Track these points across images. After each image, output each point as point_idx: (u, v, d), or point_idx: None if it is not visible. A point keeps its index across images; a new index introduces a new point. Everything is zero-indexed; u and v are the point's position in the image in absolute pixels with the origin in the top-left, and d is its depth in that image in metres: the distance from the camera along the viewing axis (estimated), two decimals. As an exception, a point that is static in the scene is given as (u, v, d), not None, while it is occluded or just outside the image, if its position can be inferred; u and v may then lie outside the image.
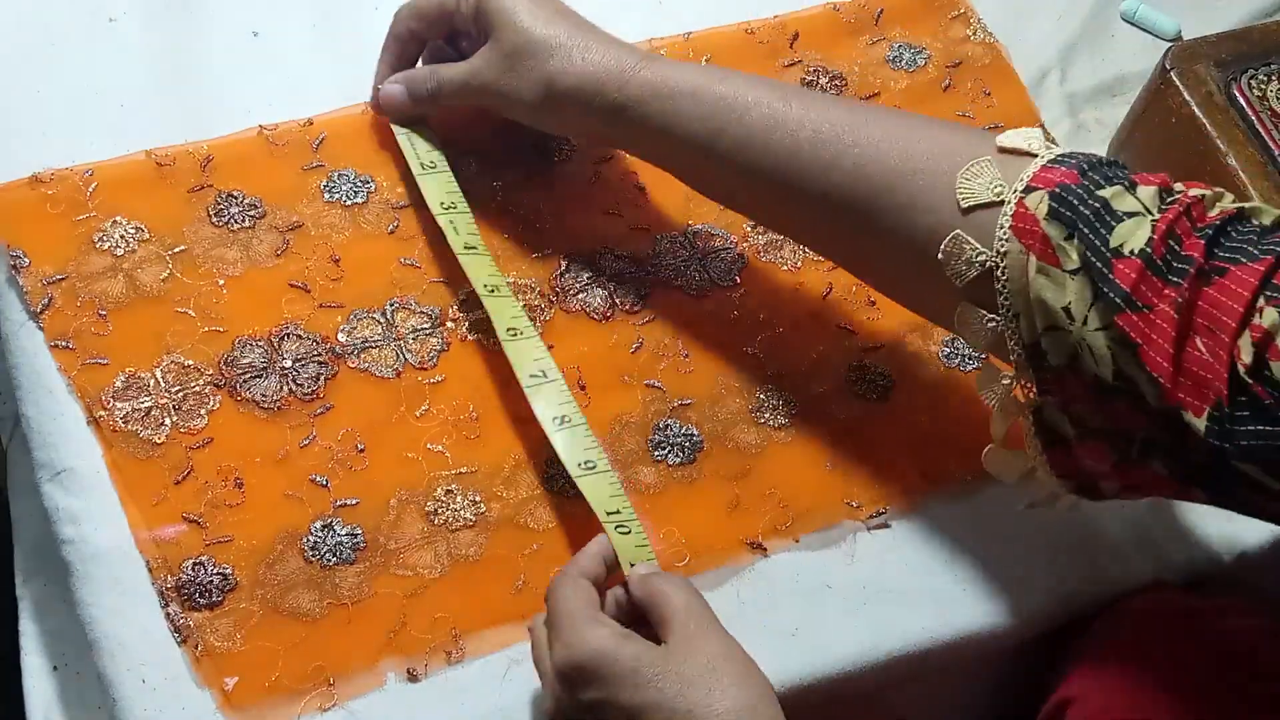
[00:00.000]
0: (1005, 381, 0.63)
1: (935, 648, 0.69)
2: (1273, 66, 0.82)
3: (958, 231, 0.61)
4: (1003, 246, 0.59)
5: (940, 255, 0.61)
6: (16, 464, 0.77)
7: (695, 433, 0.74)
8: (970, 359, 0.78)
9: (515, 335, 0.72)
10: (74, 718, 0.70)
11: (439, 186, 0.77)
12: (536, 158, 0.81)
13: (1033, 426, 0.62)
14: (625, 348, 0.76)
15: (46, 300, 0.71)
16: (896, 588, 0.70)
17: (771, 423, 0.74)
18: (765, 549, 0.71)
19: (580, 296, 0.77)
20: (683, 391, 0.75)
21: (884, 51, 0.90)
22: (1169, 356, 0.54)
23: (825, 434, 0.75)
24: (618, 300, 0.77)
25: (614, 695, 0.59)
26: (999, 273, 0.60)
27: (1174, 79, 0.81)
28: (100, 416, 0.68)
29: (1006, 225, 0.59)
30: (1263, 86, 0.81)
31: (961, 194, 0.61)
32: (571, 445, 0.69)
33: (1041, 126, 0.88)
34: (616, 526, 0.67)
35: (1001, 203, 0.60)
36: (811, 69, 0.88)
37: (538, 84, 0.72)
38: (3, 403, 0.77)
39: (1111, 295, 0.56)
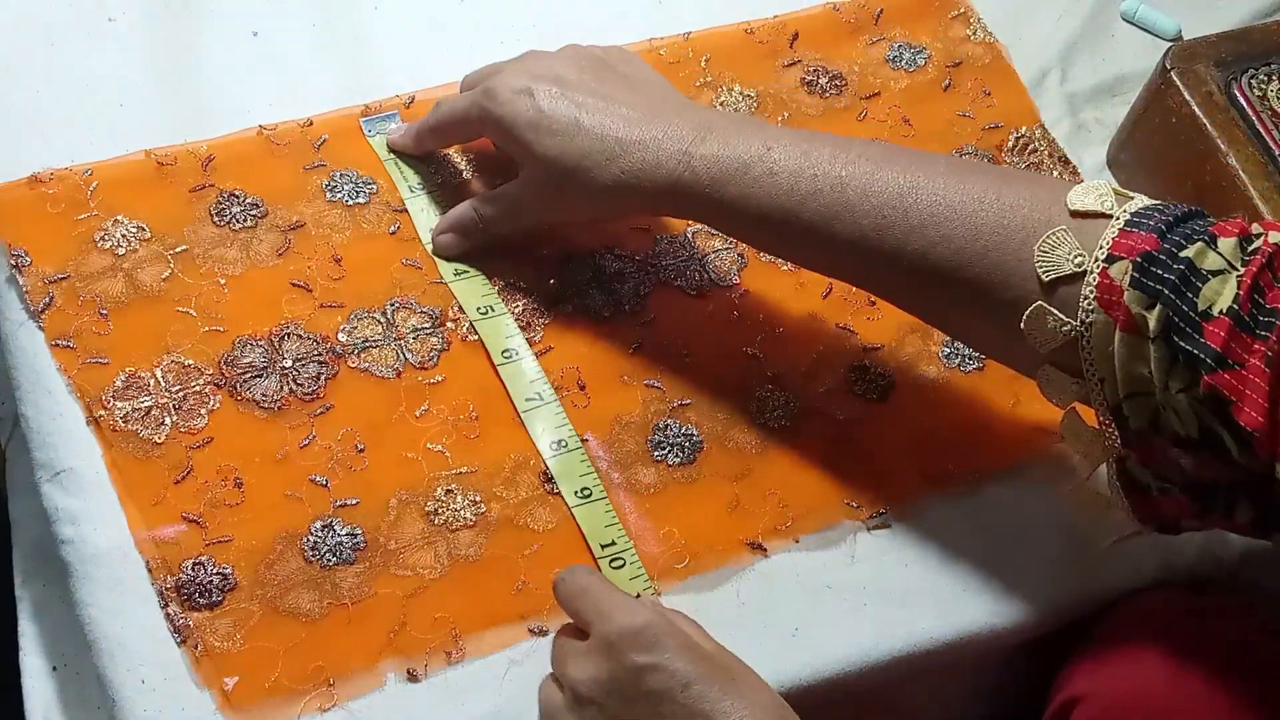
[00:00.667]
0: (1088, 433, 0.64)
1: (935, 648, 0.69)
2: (1273, 66, 0.82)
3: (1040, 304, 0.60)
4: (1087, 317, 0.59)
5: (1022, 326, 0.61)
6: (16, 464, 0.77)
7: (695, 433, 0.73)
8: (970, 359, 0.78)
9: (510, 358, 0.73)
10: (73, 718, 0.70)
11: (427, 210, 0.77)
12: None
13: (1116, 479, 0.63)
14: (625, 348, 0.76)
15: (47, 299, 0.71)
16: (897, 588, 0.70)
17: (771, 423, 0.74)
18: (765, 549, 0.71)
19: (581, 297, 0.77)
20: (682, 392, 0.75)
21: (884, 51, 0.90)
22: (1264, 410, 0.54)
23: (825, 434, 0.75)
24: (618, 301, 0.77)
25: (669, 661, 0.58)
26: (1083, 341, 0.60)
27: (1174, 79, 0.81)
28: (100, 416, 0.68)
29: (1091, 296, 0.59)
30: (1263, 86, 0.81)
31: (1041, 267, 0.60)
32: (569, 472, 0.70)
33: (1041, 126, 0.88)
34: (611, 560, 0.68)
35: (1083, 273, 0.59)
36: (811, 69, 0.88)
37: (588, 194, 0.70)
38: (2, 403, 0.77)
39: (1202, 356, 0.56)
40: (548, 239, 0.78)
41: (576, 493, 0.70)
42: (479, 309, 0.74)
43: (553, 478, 0.71)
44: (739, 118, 0.72)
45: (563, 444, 0.71)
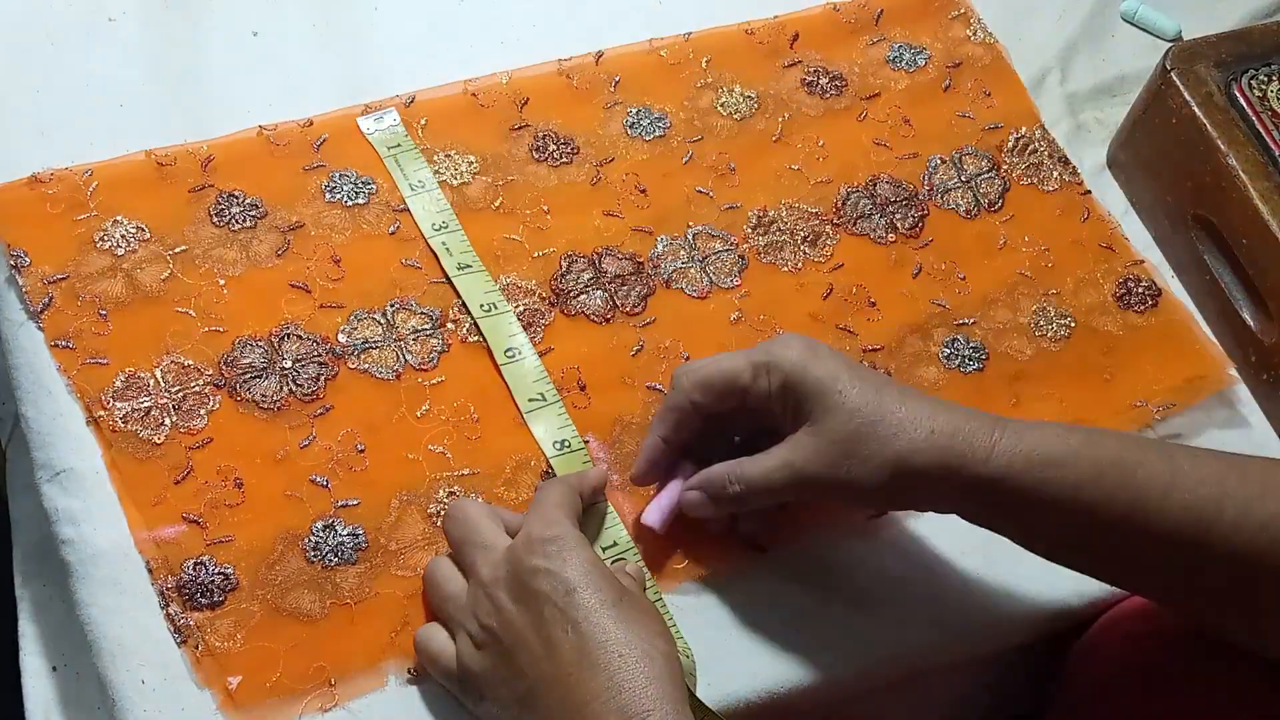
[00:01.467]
0: None
1: (934, 649, 0.69)
2: (1273, 66, 0.82)
3: None
4: None
5: None
6: (16, 464, 0.77)
7: (696, 433, 0.73)
8: (970, 360, 0.78)
9: (513, 357, 0.73)
10: (73, 718, 0.70)
11: (430, 207, 0.77)
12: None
13: None
14: (626, 349, 0.76)
15: (46, 300, 0.71)
16: (896, 589, 0.70)
17: (772, 423, 0.74)
18: (765, 549, 0.71)
19: (581, 298, 0.77)
20: (683, 392, 0.75)
21: (884, 52, 0.90)
22: None
23: (826, 434, 0.74)
24: (618, 302, 0.77)
25: (560, 567, 0.60)
26: None
27: (1174, 79, 0.81)
28: (100, 416, 0.68)
29: None
30: (1263, 87, 0.81)
31: None
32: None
33: (1041, 126, 0.88)
34: (613, 561, 0.68)
35: None
36: (811, 69, 0.88)
37: (883, 469, 0.61)
38: (2, 403, 0.77)
39: None
40: (548, 240, 0.78)
41: None
42: (482, 305, 0.74)
43: (554, 476, 0.70)
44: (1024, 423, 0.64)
45: (565, 445, 0.71)
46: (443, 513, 0.69)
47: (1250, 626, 0.62)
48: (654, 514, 0.68)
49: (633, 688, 0.56)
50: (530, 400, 0.72)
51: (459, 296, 0.75)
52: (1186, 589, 0.62)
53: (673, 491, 0.68)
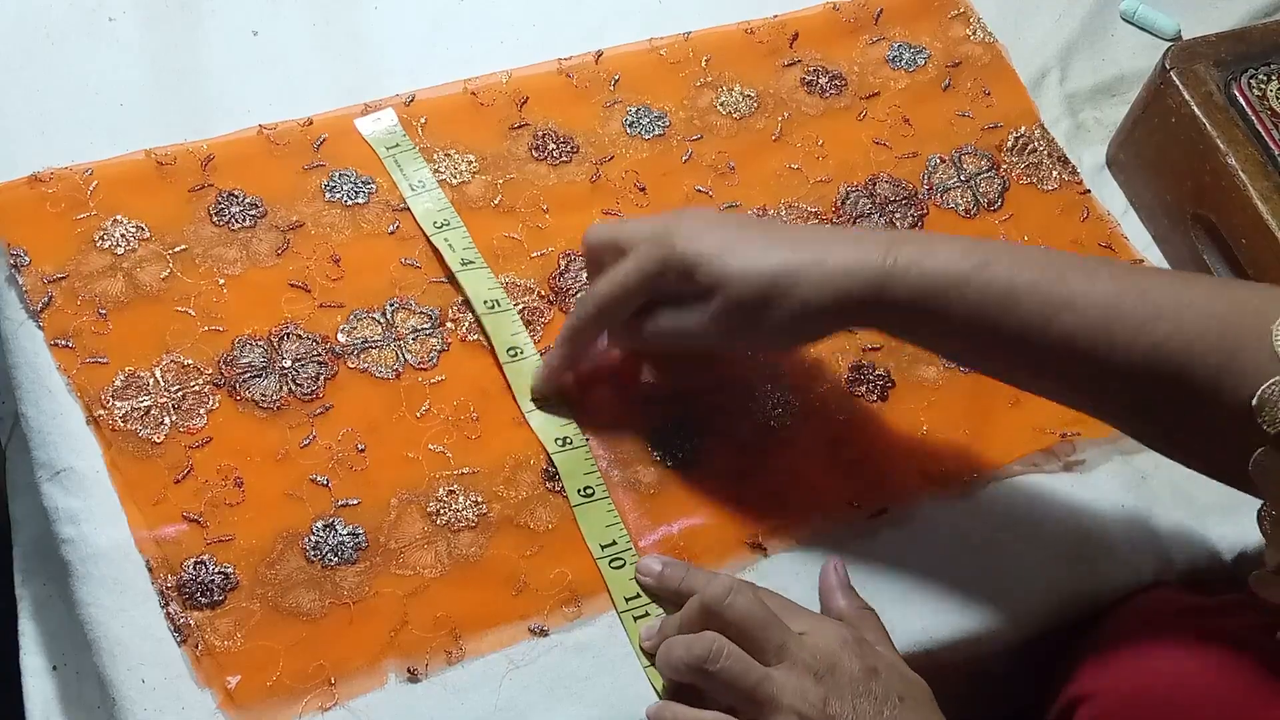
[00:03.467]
0: None
1: (935, 648, 0.69)
2: (1273, 66, 0.82)
3: (1278, 378, 0.58)
4: None
5: (1255, 403, 0.58)
6: (16, 463, 0.77)
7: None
8: (970, 359, 0.78)
9: (516, 356, 0.73)
10: (73, 717, 0.70)
11: (430, 206, 0.77)
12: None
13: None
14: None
15: (46, 299, 0.71)
16: (896, 588, 0.70)
17: (771, 423, 0.74)
18: (765, 549, 0.71)
19: (580, 297, 0.77)
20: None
21: (884, 51, 0.90)
22: None
23: (825, 434, 0.75)
24: (618, 300, 0.77)
25: (889, 657, 0.63)
26: None
27: (1174, 79, 0.81)
28: (100, 416, 0.68)
29: None
30: (1262, 86, 0.81)
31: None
32: (573, 470, 0.70)
33: (1040, 126, 0.88)
34: (611, 560, 0.68)
35: None
36: (811, 69, 0.88)
37: (789, 319, 0.64)
38: (2, 402, 0.77)
39: None
40: (548, 240, 0.78)
41: (579, 491, 0.70)
42: (486, 302, 0.74)
43: (555, 475, 0.71)
44: (923, 233, 0.67)
45: (567, 441, 0.71)
46: (443, 512, 0.69)
47: (1164, 441, 0.64)
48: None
49: None
50: (532, 399, 0.72)
51: (462, 293, 0.75)
52: (1094, 405, 0.64)
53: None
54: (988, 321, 0.62)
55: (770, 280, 0.64)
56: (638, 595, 0.67)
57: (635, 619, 0.67)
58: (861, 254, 0.63)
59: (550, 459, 0.71)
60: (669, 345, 0.70)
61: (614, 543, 0.69)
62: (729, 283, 0.65)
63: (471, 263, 0.75)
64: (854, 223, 0.82)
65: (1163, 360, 0.59)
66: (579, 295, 0.75)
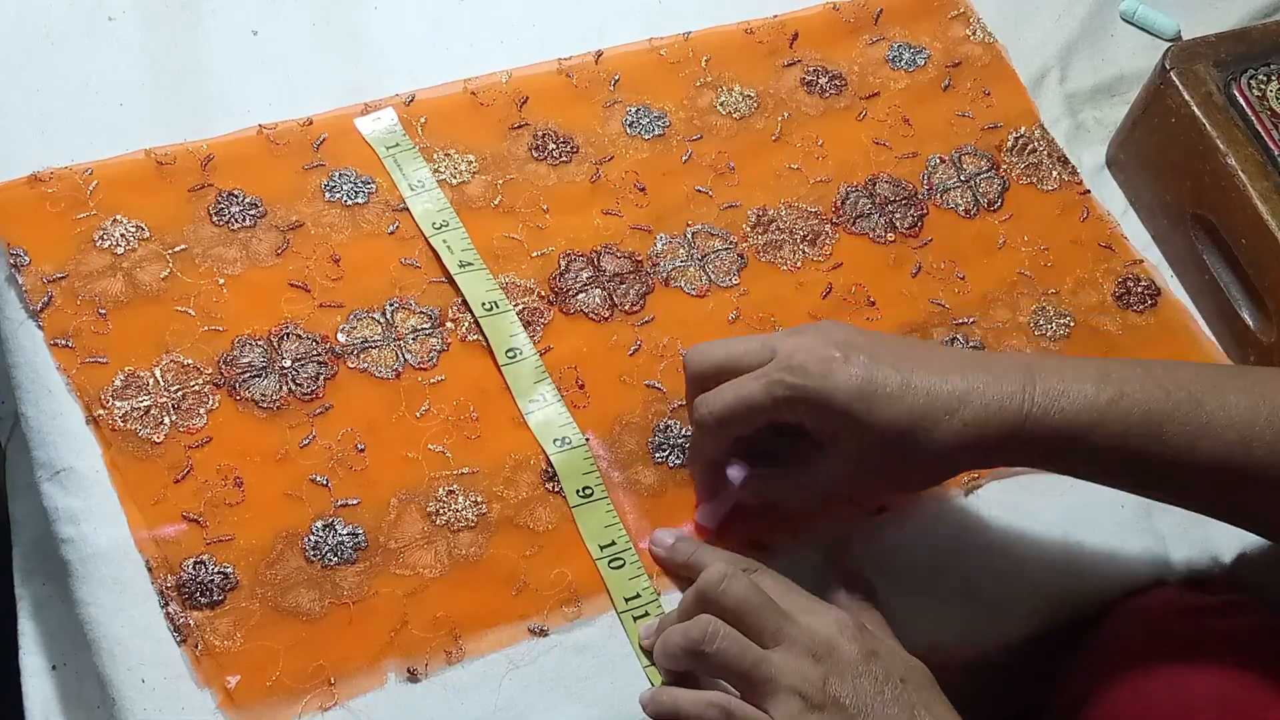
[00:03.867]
0: None
1: (935, 648, 0.69)
2: (1272, 66, 0.82)
3: None
4: None
5: None
6: (15, 463, 0.77)
7: (695, 432, 0.73)
8: (970, 359, 0.78)
9: (514, 357, 0.73)
10: (73, 717, 0.70)
11: (429, 206, 0.77)
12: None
13: None
14: (624, 348, 0.76)
15: (46, 299, 0.71)
16: (896, 588, 0.70)
17: (771, 422, 0.74)
18: (767, 548, 0.71)
19: (579, 297, 0.77)
20: (683, 392, 0.75)
21: (883, 51, 0.90)
22: None
23: (825, 434, 0.74)
24: (617, 300, 0.77)
25: (889, 642, 0.62)
26: None
27: (1174, 79, 0.81)
28: (99, 415, 0.68)
29: None
30: (1262, 86, 0.81)
31: None
32: (571, 470, 0.70)
33: (1040, 126, 0.88)
34: (610, 561, 0.68)
35: None
36: (811, 69, 0.88)
37: (921, 471, 0.65)
38: (2, 402, 0.77)
39: None
40: (547, 239, 0.78)
41: (578, 491, 0.70)
42: (484, 304, 0.74)
43: (554, 476, 0.71)
44: (1054, 356, 0.68)
45: (565, 441, 0.71)
46: (443, 512, 0.69)
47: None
48: (708, 516, 0.70)
49: None
50: (531, 401, 0.72)
51: (460, 295, 0.75)
52: (1229, 513, 0.65)
53: (728, 498, 0.69)
54: (1129, 453, 0.62)
55: (910, 428, 0.62)
56: (637, 595, 0.67)
57: (635, 619, 0.67)
58: (1000, 395, 0.62)
59: (549, 460, 0.71)
60: (783, 494, 0.69)
61: (613, 543, 0.69)
62: (855, 437, 0.63)
63: (470, 265, 0.75)
64: (854, 223, 0.82)
65: None
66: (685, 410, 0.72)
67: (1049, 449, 0.62)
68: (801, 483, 0.67)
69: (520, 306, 0.76)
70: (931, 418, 0.61)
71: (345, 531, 0.68)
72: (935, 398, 0.62)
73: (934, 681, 0.62)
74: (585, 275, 0.78)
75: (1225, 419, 0.61)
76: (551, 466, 0.71)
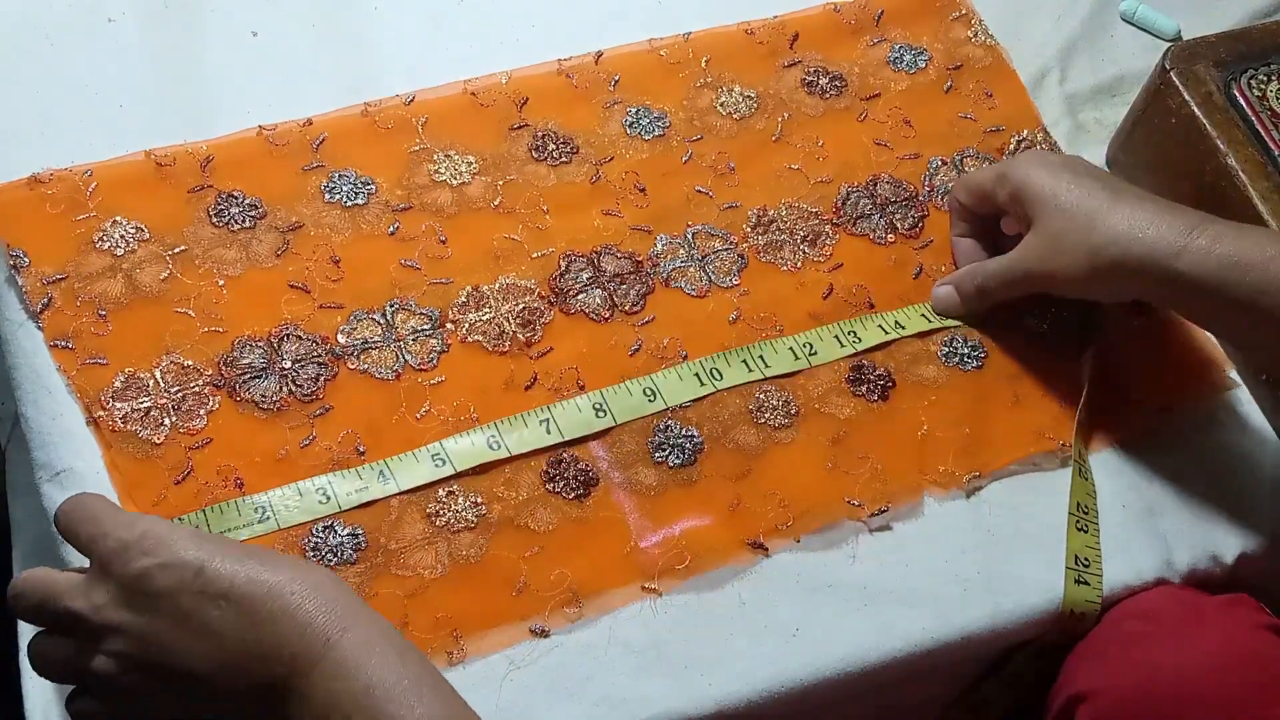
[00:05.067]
0: None
1: (936, 648, 0.69)
2: (1272, 66, 0.82)
3: None
4: None
5: None
6: (16, 464, 0.77)
7: (695, 433, 0.73)
8: (969, 359, 0.78)
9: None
10: (73, 718, 0.70)
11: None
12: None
13: None
14: (625, 349, 0.76)
15: (46, 300, 0.71)
16: (897, 588, 0.70)
17: (771, 423, 0.74)
18: (766, 549, 0.71)
19: (580, 297, 0.77)
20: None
21: (884, 53, 0.90)
22: None
23: (825, 434, 0.75)
24: (617, 300, 0.77)
25: (172, 555, 0.56)
26: None
27: (1174, 79, 0.81)
28: (100, 416, 0.68)
29: None
30: (1262, 86, 0.81)
31: None
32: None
33: (1043, 129, 0.88)
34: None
35: None
36: (811, 70, 0.88)
37: (1081, 261, 0.71)
38: (2, 403, 0.77)
39: None
40: (548, 240, 0.78)
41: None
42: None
43: (554, 476, 0.70)
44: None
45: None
46: (443, 513, 0.69)
47: None
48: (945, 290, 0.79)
49: (325, 613, 0.55)
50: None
51: (462, 282, 0.75)
52: None
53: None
54: (1261, 312, 0.67)
55: (1079, 215, 0.71)
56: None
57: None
58: (1169, 223, 0.69)
59: (549, 460, 0.71)
60: (999, 291, 0.77)
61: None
62: (1043, 213, 0.73)
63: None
64: (854, 224, 0.82)
65: None
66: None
67: (1198, 283, 0.68)
68: (988, 270, 0.77)
69: (520, 306, 0.76)
70: (1102, 215, 0.70)
71: (345, 532, 0.68)
72: (1115, 205, 0.71)
73: (234, 541, 0.60)
74: (585, 276, 0.78)
75: None
76: (552, 467, 0.71)
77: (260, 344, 0.72)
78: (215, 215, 0.76)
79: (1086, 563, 0.72)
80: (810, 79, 0.88)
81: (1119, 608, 0.71)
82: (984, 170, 0.79)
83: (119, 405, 0.69)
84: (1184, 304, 0.72)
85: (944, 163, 0.86)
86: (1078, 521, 0.73)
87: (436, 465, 0.70)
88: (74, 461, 0.67)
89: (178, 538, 0.57)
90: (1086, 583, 0.71)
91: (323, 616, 0.55)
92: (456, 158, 0.81)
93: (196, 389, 0.70)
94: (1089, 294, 0.75)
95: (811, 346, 0.77)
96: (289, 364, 0.72)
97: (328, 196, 0.78)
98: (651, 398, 0.73)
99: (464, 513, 0.69)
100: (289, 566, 0.57)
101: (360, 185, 0.78)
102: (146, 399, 0.69)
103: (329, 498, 0.68)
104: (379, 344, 0.73)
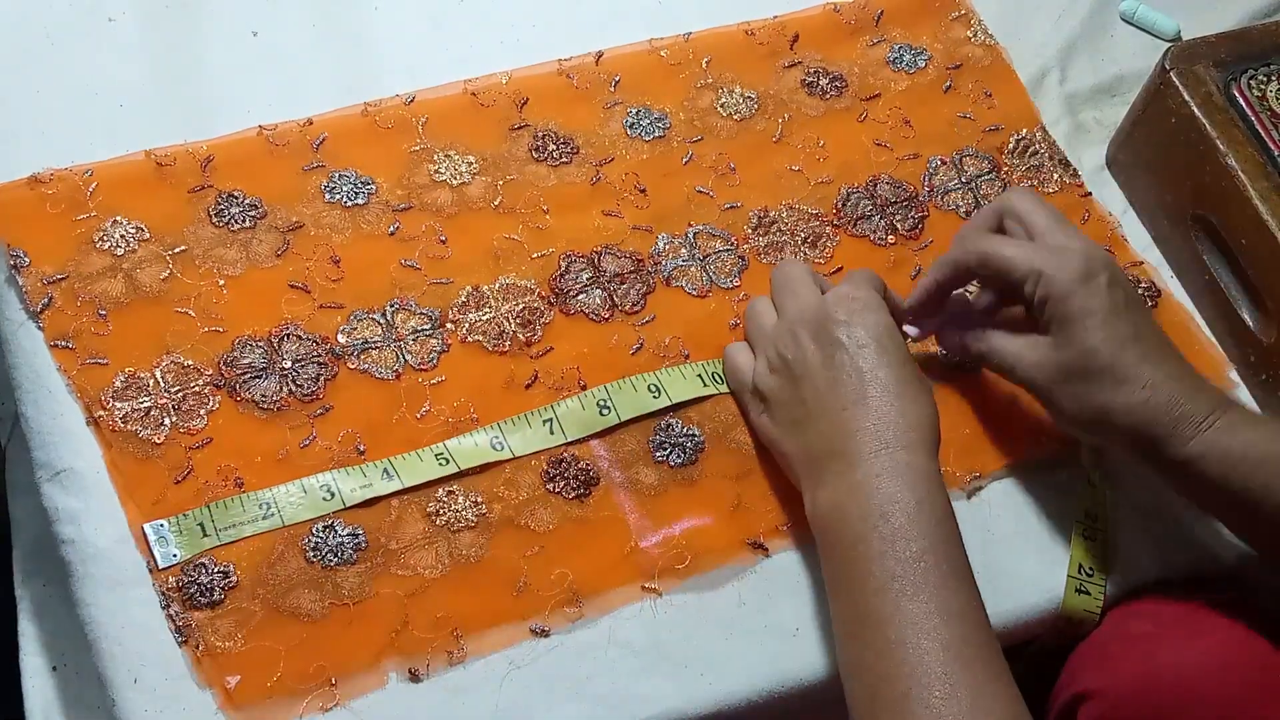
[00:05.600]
0: None
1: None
2: (1272, 66, 0.82)
3: None
4: None
5: None
6: (16, 464, 0.77)
7: (697, 433, 0.73)
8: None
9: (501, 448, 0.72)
10: (73, 718, 0.70)
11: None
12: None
13: None
14: (625, 349, 0.76)
15: (46, 300, 0.71)
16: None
17: (772, 423, 0.74)
18: (767, 549, 0.71)
19: (580, 298, 0.77)
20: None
21: (884, 53, 0.90)
22: None
23: (826, 434, 0.74)
24: (617, 300, 0.77)
25: (860, 323, 0.67)
26: None
27: (1173, 79, 0.81)
28: (100, 416, 0.68)
29: None
30: (1262, 86, 0.81)
31: None
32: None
33: (1042, 128, 0.88)
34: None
35: None
36: (811, 70, 0.88)
37: (1088, 410, 0.67)
38: (2, 403, 0.77)
39: None
40: (548, 240, 0.78)
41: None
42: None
43: (555, 476, 0.71)
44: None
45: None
46: (443, 512, 0.69)
47: None
48: (915, 332, 0.76)
49: (898, 427, 0.64)
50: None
51: (463, 282, 0.75)
52: None
53: (934, 325, 0.76)
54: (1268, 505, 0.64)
55: (1103, 368, 0.66)
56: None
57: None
58: (1188, 405, 0.65)
59: (550, 460, 0.71)
60: (993, 369, 0.73)
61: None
62: (1071, 341, 0.67)
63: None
64: (854, 224, 0.82)
65: None
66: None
67: (1202, 472, 0.65)
68: (995, 349, 0.71)
69: (520, 306, 0.76)
70: (1125, 374, 0.66)
71: (346, 532, 0.68)
72: (1141, 366, 0.66)
73: (903, 349, 0.68)
74: (585, 276, 0.78)
75: None
76: (553, 467, 0.71)
77: (260, 344, 0.72)
78: (215, 215, 0.76)
79: (1090, 572, 0.72)
80: (810, 79, 0.88)
81: (1120, 608, 0.71)
82: (1012, 247, 0.71)
83: (119, 405, 0.69)
84: (1175, 482, 0.68)
85: (944, 162, 0.86)
86: (1085, 530, 0.73)
87: (440, 465, 0.70)
88: (74, 461, 0.67)
89: (873, 318, 0.68)
90: (1087, 592, 0.71)
91: (897, 430, 0.64)
92: (457, 158, 0.81)
93: (197, 389, 0.70)
94: (1077, 436, 0.72)
95: None
96: (289, 364, 0.72)
97: (328, 196, 0.78)
98: (656, 394, 0.73)
99: (464, 512, 0.69)
100: (914, 387, 0.67)
101: (360, 185, 0.78)
102: (147, 399, 0.69)
103: (333, 494, 0.68)
104: (379, 344, 0.73)
